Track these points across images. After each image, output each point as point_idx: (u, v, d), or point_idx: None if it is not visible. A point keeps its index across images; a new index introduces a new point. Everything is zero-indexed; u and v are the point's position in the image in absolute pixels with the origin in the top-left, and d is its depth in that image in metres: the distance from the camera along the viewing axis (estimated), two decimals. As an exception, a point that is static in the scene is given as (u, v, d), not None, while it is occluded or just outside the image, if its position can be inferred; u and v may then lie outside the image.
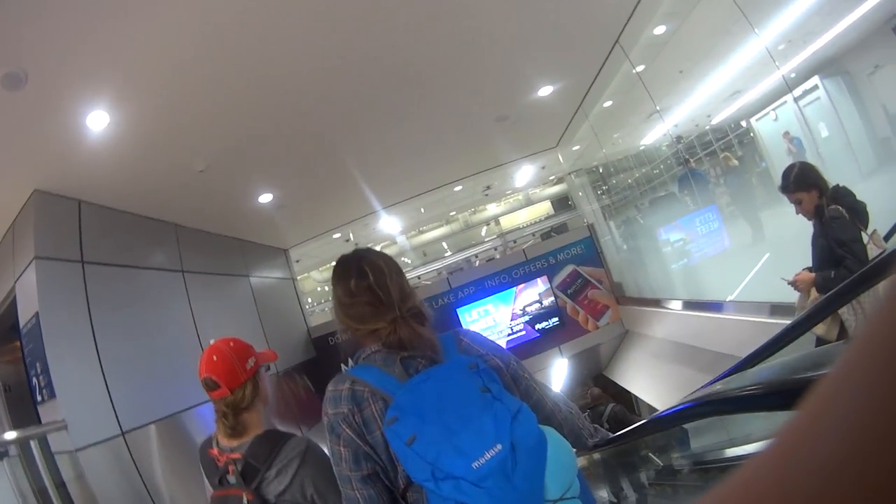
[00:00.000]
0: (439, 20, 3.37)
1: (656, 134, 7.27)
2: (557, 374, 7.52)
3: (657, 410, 5.94)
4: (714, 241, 5.17)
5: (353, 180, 5.83)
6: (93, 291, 3.41)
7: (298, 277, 12.59)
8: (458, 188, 8.54)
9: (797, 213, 2.49)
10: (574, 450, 1.08)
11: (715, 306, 4.63)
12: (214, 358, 1.44)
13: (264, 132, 3.92)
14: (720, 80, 5.41)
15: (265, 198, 5.07)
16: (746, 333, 3.88)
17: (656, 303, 5.97)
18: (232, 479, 1.36)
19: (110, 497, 2.88)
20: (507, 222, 14.16)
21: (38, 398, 3.08)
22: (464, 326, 6.78)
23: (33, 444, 2.97)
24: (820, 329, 2.27)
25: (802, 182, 2.43)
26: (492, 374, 1.02)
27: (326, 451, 1.13)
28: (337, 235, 8.50)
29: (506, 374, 1.14)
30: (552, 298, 7.04)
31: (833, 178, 4.33)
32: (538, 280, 7.08)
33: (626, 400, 7.83)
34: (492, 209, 13.88)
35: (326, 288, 15.26)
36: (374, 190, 6.50)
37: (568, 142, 7.32)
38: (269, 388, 1.54)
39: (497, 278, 7.13)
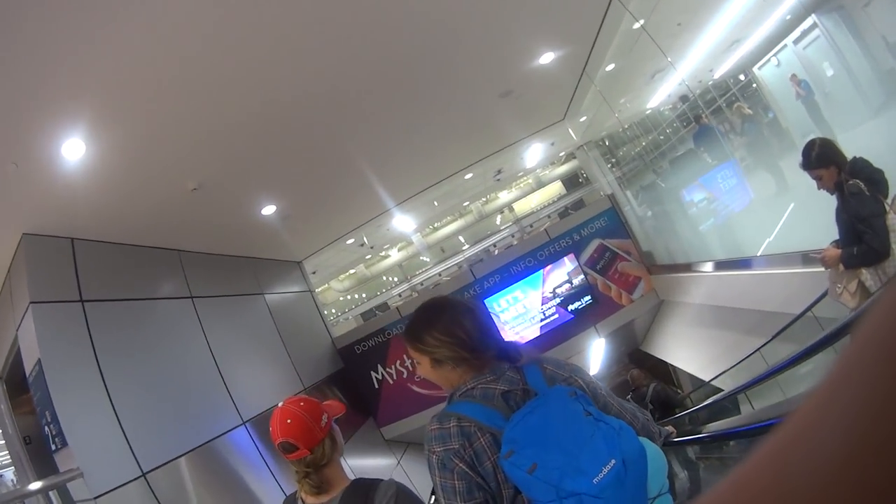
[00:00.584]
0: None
1: (661, 95, 6.99)
2: (596, 354, 7.25)
3: (700, 380, 5.77)
4: (738, 195, 5.07)
5: (360, 180, 5.64)
6: (96, 330, 3.28)
7: (318, 290, 12.60)
8: (468, 176, 8.29)
9: (818, 188, 2.55)
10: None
11: (748, 263, 4.47)
12: (289, 421, 1.44)
13: (257, 141, 3.73)
14: (718, 31, 5.20)
15: (268, 210, 4.90)
16: (784, 287, 3.78)
17: (689, 267, 5.70)
18: None
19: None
20: (521, 207, 13.91)
21: (53, 447, 2.98)
22: (493, 316, 6.55)
23: (52, 496, 2.88)
24: (850, 301, 2.45)
25: (822, 159, 2.48)
26: (587, 398, 1.15)
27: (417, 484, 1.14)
28: (350, 241, 8.36)
29: (588, 392, 1.22)
30: (582, 276, 6.75)
31: (845, 117, 4.26)
32: (565, 259, 6.80)
33: (664, 372, 7.68)
34: (504, 197, 13.66)
35: (349, 297, 15.30)
36: (383, 187, 6.30)
37: (575, 113, 7.02)
38: (342, 442, 1.55)
39: (522, 263, 6.87)
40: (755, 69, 5.31)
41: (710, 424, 2.61)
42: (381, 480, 1.41)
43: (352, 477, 1.52)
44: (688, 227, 5.81)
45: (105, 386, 3.13)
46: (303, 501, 1.48)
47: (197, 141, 3.35)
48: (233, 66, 2.85)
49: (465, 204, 10.85)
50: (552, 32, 4.43)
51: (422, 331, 1.25)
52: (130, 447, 3.04)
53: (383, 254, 12.67)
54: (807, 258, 3.44)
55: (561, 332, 6.71)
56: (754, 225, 4.75)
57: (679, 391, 7.31)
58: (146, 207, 3.72)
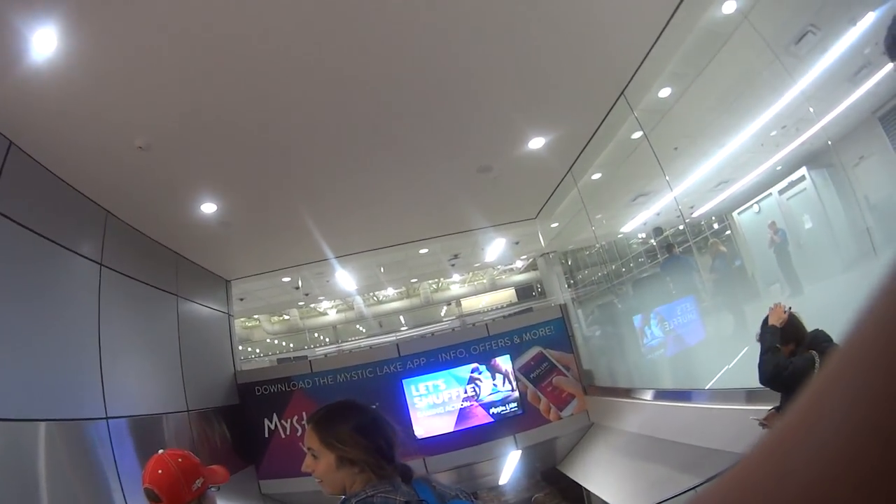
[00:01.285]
0: (427, 60, 3.35)
1: (638, 221, 7.31)
2: (508, 465, 6.88)
3: None
4: (694, 329, 5.12)
5: (312, 217, 5.46)
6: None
7: (247, 323, 11.78)
8: (423, 251, 8.33)
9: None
10: None
11: (693, 395, 4.41)
12: (160, 472, 1.43)
13: (220, 127, 3.59)
14: (709, 166, 5.35)
15: (208, 207, 4.66)
16: (730, 424, 3.64)
17: (629, 393, 5.63)
18: None
19: None
20: (469, 304, 13.95)
21: None
22: (409, 400, 6.20)
23: None
24: None
25: (786, 335, 2.47)
26: None
27: None
28: (286, 279, 8.01)
29: None
30: (512, 381, 6.58)
31: (815, 269, 4.46)
32: (498, 360, 6.64)
33: (576, 496, 7.39)
34: (454, 290, 13.73)
35: (276, 340, 14.36)
36: (333, 233, 6.14)
37: (549, 216, 7.20)
38: None
39: (453, 352, 6.63)
40: (735, 213, 5.57)
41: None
42: None
43: None
44: (636, 351, 5.78)
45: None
46: None
47: (162, 94, 3.15)
48: (221, 40, 2.81)
49: (413, 281, 10.75)
50: (551, 117, 4.47)
51: (339, 424, 1.26)
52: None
53: (316, 305, 12.15)
54: (751, 395, 3.45)
55: (476, 434, 6.35)
56: (706, 360, 4.74)
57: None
58: (89, 143, 3.42)
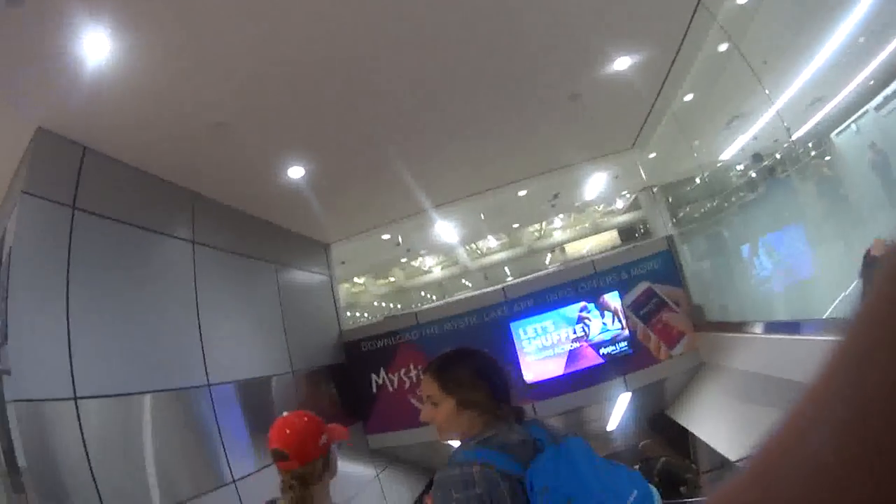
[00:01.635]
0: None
1: (735, 146, 6.59)
2: (618, 408, 6.55)
3: (725, 459, 5.06)
4: (804, 258, 4.75)
5: (404, 167, 5.34)
6: (78, 240, 3.15)
7: (352, 288, 12.45)
8: (522, 192, 7.93)
9: None
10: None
11: (808, 327, 3.89)
12: (287, 431, 1.50)
13: (301, 88, 3.57)
14: (802, 80, 4.83)
15: (295, 171, 4.74)
16: None
17: (741, 327, 5.02)
18: None
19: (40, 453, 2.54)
20: (572, 250, 13.34)
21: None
22: (517, 344, 6.04)
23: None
24: None
25: None
26: None
27: None
28: (386, 237, 8.14)
29: None
30: (622, 319, 6.12)
31: None
32: (606, 297, 6.20)
33: (682, 446, 7.16)
34: (557, 236, 13.14)
35: (384, 303, 15.12)
36: (428, 182, 6.02)
37: (645, 145, 6.57)
38: (338, 466, 1.59)
39: (560, 291, 6.32)
40: (833, 135, 5.01)
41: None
42: None
43: (336, 502, 1.55)
44: (746, 283, 5.30)
45: (67, 297, 2.97)
46: None
47: (234, 69, 3.21)
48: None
49: (515, 226, 10.38)
50: (632, 33, 4.06)
51: (459, 369, 1.32)
52: (71, 367, 2.83)
53: (420, 264, 12.42)
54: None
55: (586, 376, 6.05)
56: (820, 288, 4.28)
57: (693, 465, 6.95)
58: (166, 132, 3.61)
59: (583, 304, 6.21)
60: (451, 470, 1.17)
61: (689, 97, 5.36)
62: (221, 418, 3.75)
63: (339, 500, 1.59)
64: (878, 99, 4.34)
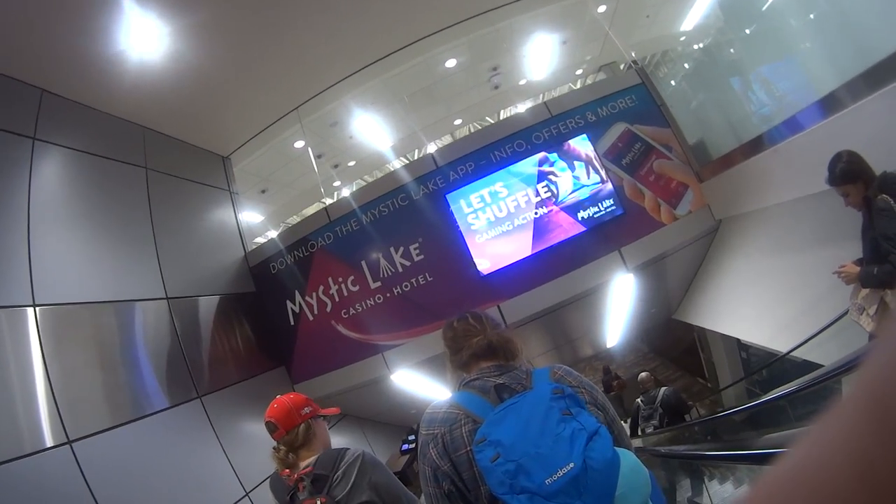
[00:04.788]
0: None
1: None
2: (621, 298, 5.33)
3: (773, 352, 4.11)
4: None
5: (285, 38, 4.32)
6: None
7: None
8: (450, 63, 6.52)
9: (846, 205, 2.43)
10: (648, 472, 1.16)
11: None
12: (275, 406, 1.81)
13: None
14: None
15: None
16: None
17: (759, 145, 3.93)
18: (303, 494, 1.63)
19: None
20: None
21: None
22: (460, 223, 4.74)
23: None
24: (868, 325, 2.40)
25: (848, 175, 2.35)
26: (577, 398, 1.18)
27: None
28: (298, 144, 6.61)
29: (588, 399, 1.25)
30: (599, 169, 4.79)
31: None
32: (571, 142, 4.83)
33: (694, 364, 6.86)
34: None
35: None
36: (319, 56, 4.92)
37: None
38: (328, 436, 1.88)
39: (507, 145, 4.89)
40: None
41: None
42: (348, 448, 1.72)
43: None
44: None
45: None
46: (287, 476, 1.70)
47: None
48: None
49: (457, 122, 8.93)
50: None
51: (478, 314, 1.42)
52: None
53: (353, 188, 10.91)
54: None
55: (567, 253, 4.65)
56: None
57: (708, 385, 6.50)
58: None
59: (542, 154, 4.86)
60: (429, 409, 1.27)
61: None
62: (46, 345, 2.92)
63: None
64: None
